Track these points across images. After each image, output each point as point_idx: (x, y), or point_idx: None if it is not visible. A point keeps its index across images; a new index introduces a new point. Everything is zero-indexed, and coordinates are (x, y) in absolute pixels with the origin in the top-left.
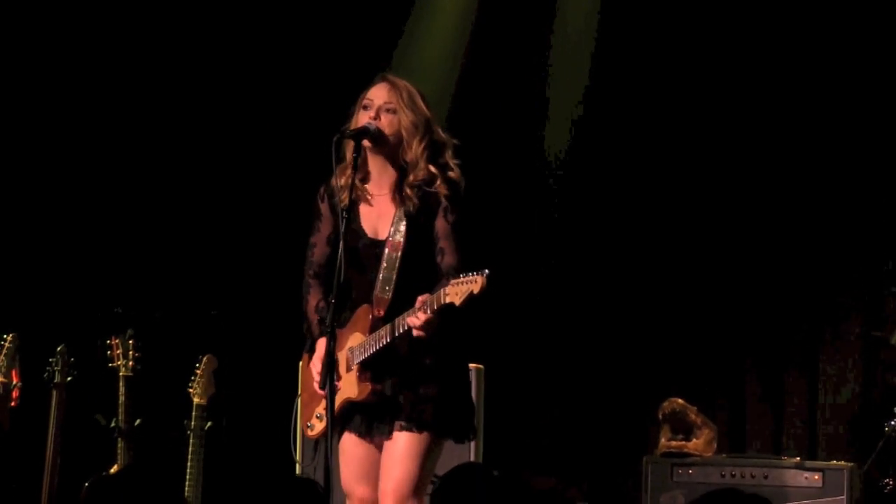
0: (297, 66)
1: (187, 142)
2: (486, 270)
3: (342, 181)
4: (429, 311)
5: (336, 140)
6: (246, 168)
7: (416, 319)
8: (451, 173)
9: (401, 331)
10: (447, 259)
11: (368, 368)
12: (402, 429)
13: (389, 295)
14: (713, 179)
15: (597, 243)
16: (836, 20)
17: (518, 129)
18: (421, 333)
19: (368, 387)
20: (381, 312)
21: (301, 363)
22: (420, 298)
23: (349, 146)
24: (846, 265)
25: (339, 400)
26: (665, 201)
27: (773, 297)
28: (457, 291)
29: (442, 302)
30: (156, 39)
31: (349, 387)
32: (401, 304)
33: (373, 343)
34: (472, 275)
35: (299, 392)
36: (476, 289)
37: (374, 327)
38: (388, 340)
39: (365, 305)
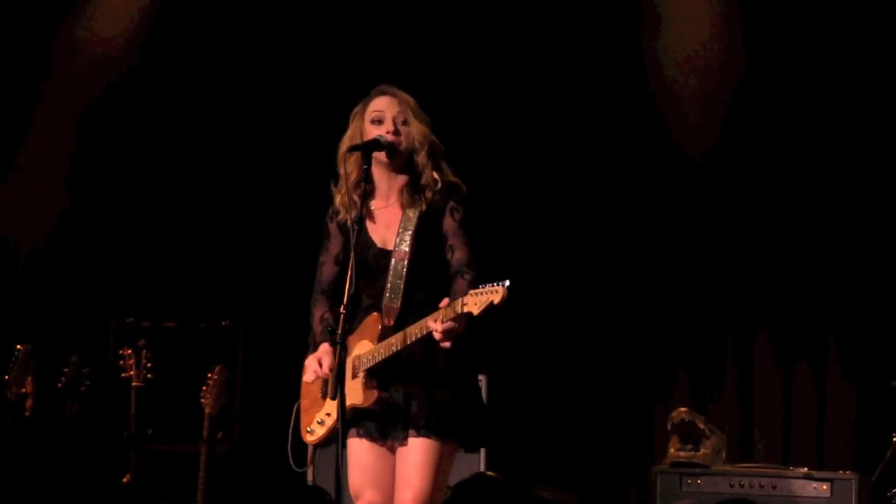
0: (318, 82)
1: (201, 154)
2: (507, 281)
3: (350, 196)
4: (446, 321)
5: (344, 154)
6: (259, 180)
7: (437, 333)
8: (452, 177)
9: (413, 340)
10: (457, 255)
11: (376, 375)
12: (418, 434)
13: (398, 304)
14: (716, 185)
15: (600, 252)
16: None
17: (516, 131)
18: (446, 343)
19: (375, 394)
20: (391, 322)
21: (304, 373)
22: (442, 303)
23: (350, 160)
24: (854, 272)
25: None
26: (663, 212)
27: (781, 306)
28: (475, 301)
29: (459, 311)
30: (184, 61)
31: (354, 393)
32: (409, 312)
33: (382, 351)
34: (493, 285)
35: (300, 398)
36: (497, 299)
37: (383, 336)
38: (399, 349)
39: (375, 314)
